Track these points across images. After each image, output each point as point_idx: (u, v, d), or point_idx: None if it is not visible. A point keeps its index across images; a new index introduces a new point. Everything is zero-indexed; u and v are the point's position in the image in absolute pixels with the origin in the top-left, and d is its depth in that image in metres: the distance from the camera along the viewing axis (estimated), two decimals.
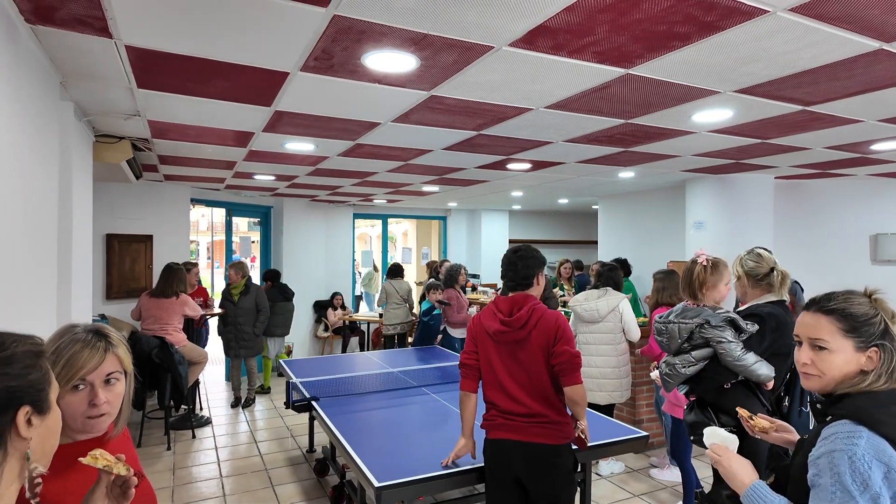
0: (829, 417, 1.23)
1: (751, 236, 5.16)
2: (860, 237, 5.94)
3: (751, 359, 2.36)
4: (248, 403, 6.15)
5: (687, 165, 4.98)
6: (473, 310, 6.45)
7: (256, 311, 6.08)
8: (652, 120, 3.25)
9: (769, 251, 2.62)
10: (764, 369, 2.36)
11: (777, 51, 2.14)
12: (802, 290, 4.32)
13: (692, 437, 2.55)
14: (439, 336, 6.00)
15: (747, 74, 2.43)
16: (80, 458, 1.03)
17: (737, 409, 1.69)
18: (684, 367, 2.46)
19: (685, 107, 2.96)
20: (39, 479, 0.87)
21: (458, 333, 5.97)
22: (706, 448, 1.45)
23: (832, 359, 1.23)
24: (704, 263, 2.54)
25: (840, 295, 1.28)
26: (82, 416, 1.17)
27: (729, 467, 1.34)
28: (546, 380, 2.31)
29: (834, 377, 1.24)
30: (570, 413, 2.39)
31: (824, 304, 1.28)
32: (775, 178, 5.65)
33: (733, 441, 1.41)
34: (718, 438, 1.43)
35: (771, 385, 2.41)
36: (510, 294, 2.43)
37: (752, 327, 2.39)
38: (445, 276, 6.26)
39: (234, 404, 6.12)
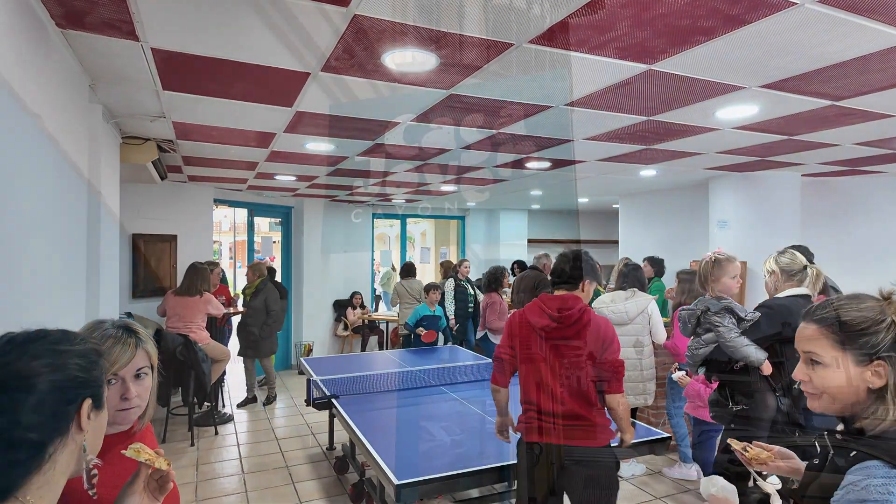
0: (854, 453, 1.05)
1: (777, 235, 5.05)
2: (892, 236, 5.77)
3: (742, 342, 2.56)
4: (269, 401, 6.20)
5: (710, 163, 4.89)
6: None
7: (266, 313, 6.07)
8: (675, 116, 3.20)
9: (809, 251, 2.88)
10: (753, 352, 2.53)
11: (805, 44, 2.09)
12: (838, 292, 4.21)
13: (712, 415, 2.79)
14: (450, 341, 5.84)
15: (774, 69, 2.37)
16: (123, 451, 1.06)
17: (728, 441, 1.57)
18: (698, 348, 2.76)
19: (709, 103, 2.91)
20: (95, 471, 0.89)
21: (498, 340, 5.81)
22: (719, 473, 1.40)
23: (826, 374, 1.10)
24: (708, 259, 2.82)
25: (835, 301, 1.13)
26: (113, 409, 1.21)
27: None
28: (589, 381, 2.29)
29: (835, 396, 1.09)
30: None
31: (817, 313, 1.14)
32: (802, 175, 5.51)
33: (732, 492, 1.28)
34: (717, 489, 1.29)
35: (766, 370, 2.54)
36: (558, 292, 2.41)
37: (751, 315, 2.60)
38: (488, 279, 5.70)
39: (241, 404, 6.07)
